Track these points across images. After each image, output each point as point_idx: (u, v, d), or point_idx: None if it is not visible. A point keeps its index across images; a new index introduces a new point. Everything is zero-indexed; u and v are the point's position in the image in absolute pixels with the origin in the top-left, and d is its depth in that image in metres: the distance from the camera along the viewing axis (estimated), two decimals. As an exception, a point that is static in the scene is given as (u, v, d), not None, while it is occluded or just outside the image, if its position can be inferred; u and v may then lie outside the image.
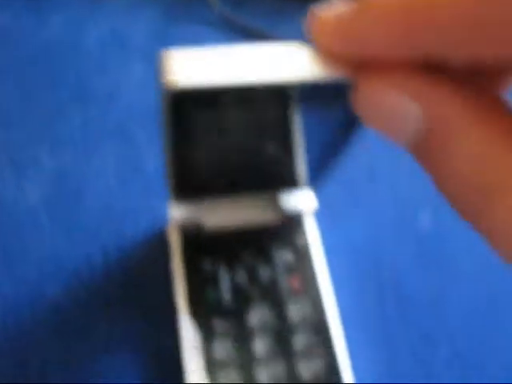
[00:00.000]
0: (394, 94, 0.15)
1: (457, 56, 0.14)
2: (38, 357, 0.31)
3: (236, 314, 0.31)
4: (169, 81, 0.19)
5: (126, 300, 0.33)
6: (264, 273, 0.32)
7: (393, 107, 0.15)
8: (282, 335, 0.30)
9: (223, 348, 0.30)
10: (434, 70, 0.15)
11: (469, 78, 0.15)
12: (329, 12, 0.16)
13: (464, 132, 0.14)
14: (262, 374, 0.29)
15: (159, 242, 0.34)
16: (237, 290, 0.32)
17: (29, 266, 0.34)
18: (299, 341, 0.30)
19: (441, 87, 0.15)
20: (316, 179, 0.33)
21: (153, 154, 0.38)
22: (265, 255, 0.32)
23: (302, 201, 0.34)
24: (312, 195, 0.34)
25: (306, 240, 0.33)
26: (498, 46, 0.13)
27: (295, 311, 0.31)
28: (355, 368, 0.31)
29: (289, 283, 0.32)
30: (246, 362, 0.30)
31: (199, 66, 0.19)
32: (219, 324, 0.31)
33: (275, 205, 0.33)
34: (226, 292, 0.31)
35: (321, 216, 0.34)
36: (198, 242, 0.32)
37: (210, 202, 0.33)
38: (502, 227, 0.14)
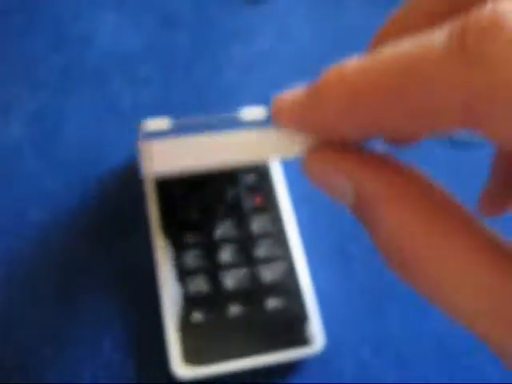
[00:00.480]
0: (332, 173, 0.19)
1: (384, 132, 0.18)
2: (23, 270, 0.34)
3: (204, 228, 0.34)
4: (147, 168, 0.23)
5: (104, 223, 0.36)
6: (230, 193, 0.35)
7: (331, 182, 0.19)
8: (245, 245, 0.34)
9: (192, 258, 0.33)
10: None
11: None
12: (286, 96, 0.19)
13: (384, 208, 0.18)
14: (227, 278, 0.33)
15: (133, 171, 0.37)
16: (205, 209, 0.35)
17: (14, 193, 0.37)
18: (261, 250, 0.34)
19: (369, 167, 0.18)
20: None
21: (127, 94, 0.41)
22: (231, 178, 0.36)
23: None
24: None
25: (268, 164, 0.36)
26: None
27: (257, 225, 0.34)
28: (314, 277, 0.34)
29: (252, 201, 0.35)
30: (212, 269, 0.33)
31: (173, 154, 0.24)
32: (189, 238, 0.34)
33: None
34: (195, 211, 0.35)
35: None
36: (171, 184, 0.35)
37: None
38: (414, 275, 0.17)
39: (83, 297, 0.34)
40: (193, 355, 0.31)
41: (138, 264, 0.35)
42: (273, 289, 0.32)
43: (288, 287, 0.33)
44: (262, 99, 0.41)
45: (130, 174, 0.38)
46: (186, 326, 0.31)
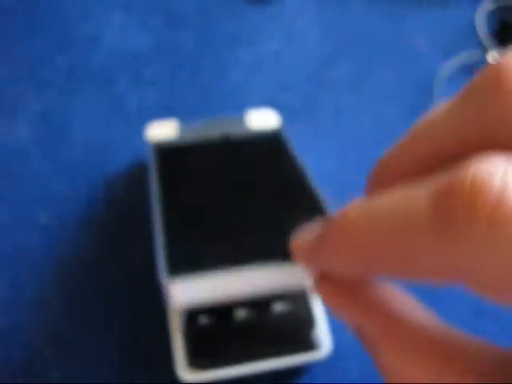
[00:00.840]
0: (338, 306, 0.22)
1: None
2: (30, 271, 0.34)
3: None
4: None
5: (111, 225, 0.36)
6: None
7: (337, 311, 0.22)
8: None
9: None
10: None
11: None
12: (301, 236, 0.22)
13: (384, 349, 0.20)
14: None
15: (140, 172, 0.37)
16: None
17: (20, 194, 0.37)
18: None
19: (368, 310, 0.21)
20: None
21: (133, 95, 0.41)
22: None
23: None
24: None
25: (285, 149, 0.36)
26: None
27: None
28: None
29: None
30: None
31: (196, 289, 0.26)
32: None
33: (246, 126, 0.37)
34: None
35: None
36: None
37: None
38: None
39: (89, 298, 0.34)
40: (198, 359, 0.31)
41: (145, 266, 0.35)
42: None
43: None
44: (268, 101, 0.41)
45: (137, 175, 0.38)
46: (191, 330, 0.31)
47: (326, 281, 0.22)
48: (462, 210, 0.15)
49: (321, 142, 0.40)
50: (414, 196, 0.17)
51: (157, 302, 0.33)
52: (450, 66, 0.43)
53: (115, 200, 0.37)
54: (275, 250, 0.27)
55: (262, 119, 0.37)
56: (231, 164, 0.35)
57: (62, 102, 0.40)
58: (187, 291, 0.26)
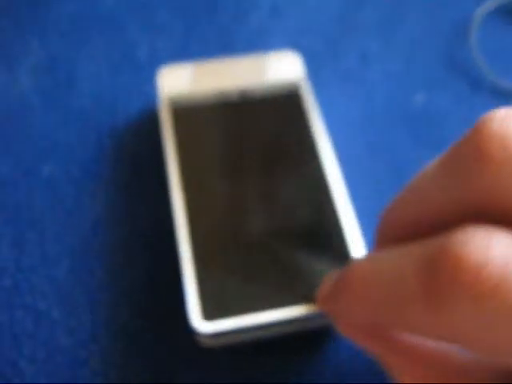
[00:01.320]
0: (357, 342, 0.23)
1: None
2: (34, 229, 0.32)
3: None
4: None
5: (121, 178, 0.33)
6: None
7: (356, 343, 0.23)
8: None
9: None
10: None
11: None
12: (324, 287, 0.25)
13: (397, 371, 0.22)
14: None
15: (150, 122, 0.34)
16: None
17: (24, 147, 0.34)
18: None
19: (392, 351, 0.22)
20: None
21: (143, 42, 0.38)
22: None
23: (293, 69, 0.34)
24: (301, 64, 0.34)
25: (304, 109, 0.33)
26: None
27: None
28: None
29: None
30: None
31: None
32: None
33: (269, 70, 0.34)
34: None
35: (314, 94, 0.34)
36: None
37: (199, 69, 0.33)
38: None
39: (99, 258, 0.31)
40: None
41: (154, 224, 0.32)
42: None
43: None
44: (291, 45, 0.38)
45: (147, 126, 0.35)
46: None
47: (345, 322, 0.23)
48: (446, 286, 0.16)
49: (346, 89, 0.37)
50: (405, 263, 0.18)
51: (172, 257, 0.31)
52: (485, 8, 0.40)
53: (124, 152, 0.34)
54: (298, 294, 0.27)
55: (283, 62, 0.34)
56: (247, 135, 0.32)
57: (67, 50, 0.37)
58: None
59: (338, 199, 0.29)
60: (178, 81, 0.33)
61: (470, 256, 0.16)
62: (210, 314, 0.27)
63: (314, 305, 0.26)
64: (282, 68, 0.34)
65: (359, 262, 0.21)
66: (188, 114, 0.32)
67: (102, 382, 0.28)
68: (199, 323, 0.26)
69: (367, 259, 0.21)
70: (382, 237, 0.23)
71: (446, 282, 0.16)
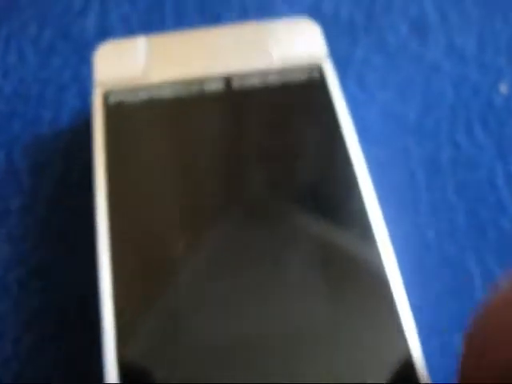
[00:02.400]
0: None
1: None
2: None
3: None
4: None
5: (39, 198, 0.21)
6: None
7: None
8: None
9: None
10: None
11: None
12: None
13: None
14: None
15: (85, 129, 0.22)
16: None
17: None
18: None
19: None
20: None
21: (87, 11, 0.25)
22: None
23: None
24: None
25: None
26: None
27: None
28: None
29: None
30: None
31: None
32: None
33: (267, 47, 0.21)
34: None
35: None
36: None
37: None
38: None
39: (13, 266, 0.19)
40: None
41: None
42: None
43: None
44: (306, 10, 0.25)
45: (82, 133, 0.22)
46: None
47: None
48: None
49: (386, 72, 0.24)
50: None
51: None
52: None
53: (48, 169, 0.22)
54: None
55: (294, 34, 0.22)
56: (228, 146, 0.20)
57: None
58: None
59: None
60: (123, 64, 0.21)
61: None
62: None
63: None
64: (293, 43, 0.21)
65: None
66: (134, 113, 0.20)
67: None
68: None
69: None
70: None
71: None
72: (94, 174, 0.19)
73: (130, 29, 0.25)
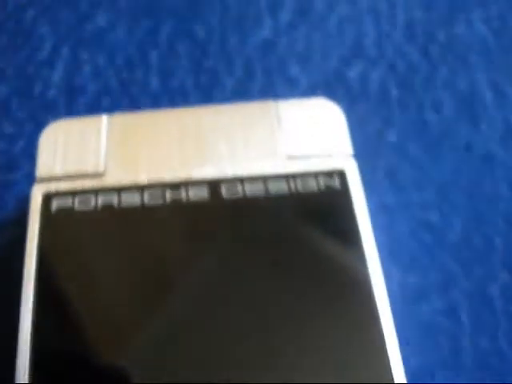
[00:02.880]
0: None
1: None
2: None
3: None
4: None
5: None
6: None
7: None
8: None
9: None
10: None
11: None
12: None
13: None
14: None
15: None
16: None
17: None
18: None
19: None
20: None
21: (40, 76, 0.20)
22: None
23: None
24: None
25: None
26: None
27: None
28: None
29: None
30: None
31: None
32: None
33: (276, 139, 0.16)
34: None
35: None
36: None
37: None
38: None
39: None
40: None
41: None
42: None
43: None
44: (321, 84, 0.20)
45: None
46: None
47: None
48: None
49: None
50: None
51: None
52: None
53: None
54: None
55: (307, 131, 0.16)
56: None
57: None
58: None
59: None
60: (75, 155, 0.15)
61: None
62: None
63: None
64: (304, 138, 0.16)
65: None
66: (78, 223, 0.15)
67: None
68: None
69: None
70: None
71: None
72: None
73: (103, 88, 0.20)
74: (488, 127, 0.20)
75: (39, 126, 0.19)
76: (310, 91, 0.20)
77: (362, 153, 0.16)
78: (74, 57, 0.21)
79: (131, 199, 0.15)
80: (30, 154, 0.19)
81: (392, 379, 0.13)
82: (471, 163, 0.19)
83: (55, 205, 0.15)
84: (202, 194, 0.15)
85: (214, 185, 0.15)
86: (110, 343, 0.13)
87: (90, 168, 0.15)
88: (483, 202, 0.18)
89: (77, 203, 0.15)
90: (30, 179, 0.18)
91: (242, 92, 0.20)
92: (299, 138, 0.16)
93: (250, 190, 0.15)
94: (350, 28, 0.21)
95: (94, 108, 0.20)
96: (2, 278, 0.17)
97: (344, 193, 0.15)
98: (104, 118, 0.16)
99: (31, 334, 0.13)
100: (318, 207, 0.15)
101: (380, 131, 0.19)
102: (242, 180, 0.15)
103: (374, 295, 0.14)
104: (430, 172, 0.19)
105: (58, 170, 0.15)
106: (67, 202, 0.15)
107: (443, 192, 0.18)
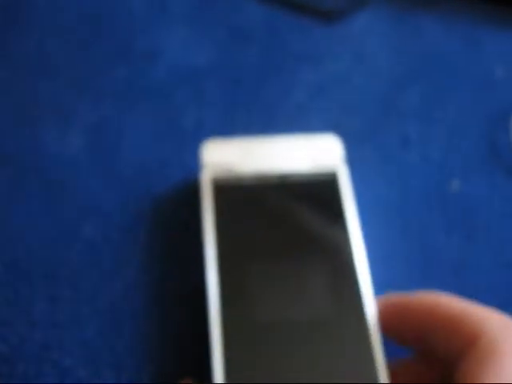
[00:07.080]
0: None
1: None
2: (69, 288, 0.33)
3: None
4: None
5: (156, 246, 0.35)
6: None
7: None
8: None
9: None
10: None
11: None
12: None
13: None
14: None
15: (190, 192, 0.36)
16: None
17: (68, 207, 0.36)
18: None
19: None
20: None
21: (190, 112, 0.39)
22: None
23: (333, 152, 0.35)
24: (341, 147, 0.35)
25: (339, 197, 0.33)
26: None
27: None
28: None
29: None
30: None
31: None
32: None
33: (308, 154, 0.35)
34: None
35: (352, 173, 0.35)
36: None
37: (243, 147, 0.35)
38: None
39: (127, 321, 0.32)
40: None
41: (191, 287, 0.33)
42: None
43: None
44: (332, 125, 0.39)
45: (186, 195, 0.36)
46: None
47: None
48: None
49: (384, 170, 0.38)
50: None
51: (198, 327, 0.32)
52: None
53: (162, 220, 0.35)
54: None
55: (324, 146, 0.35)
56: (283, 220, 0.33)
57: (116, 116, 0.39)
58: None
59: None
60: (221, 156, 0.34)
61: None
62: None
63: None
64: (322, 152, 0.35)
65: None
66: (228, 191, 0.33)
67: None
68: None
69: None
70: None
71: None
72: (202, 229, 0.32)
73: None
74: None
75: (199, 116, 0.38)
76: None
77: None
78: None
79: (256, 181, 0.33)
80: (197, 131, 0.38)
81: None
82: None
83: (218, 183, 0.33)
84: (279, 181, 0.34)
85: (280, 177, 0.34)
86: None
87: (230, 164, 0.34)
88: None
89: (230, 182, 0.33)
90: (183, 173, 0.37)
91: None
92: (316, 154, 0.35)
93: (286, 180, 0.34)
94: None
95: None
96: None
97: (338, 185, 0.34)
98: (236, 140, 0.35)
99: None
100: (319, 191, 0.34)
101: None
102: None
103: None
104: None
105: (215, 164, 0.34)
106: (224, 182, 0.33)
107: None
